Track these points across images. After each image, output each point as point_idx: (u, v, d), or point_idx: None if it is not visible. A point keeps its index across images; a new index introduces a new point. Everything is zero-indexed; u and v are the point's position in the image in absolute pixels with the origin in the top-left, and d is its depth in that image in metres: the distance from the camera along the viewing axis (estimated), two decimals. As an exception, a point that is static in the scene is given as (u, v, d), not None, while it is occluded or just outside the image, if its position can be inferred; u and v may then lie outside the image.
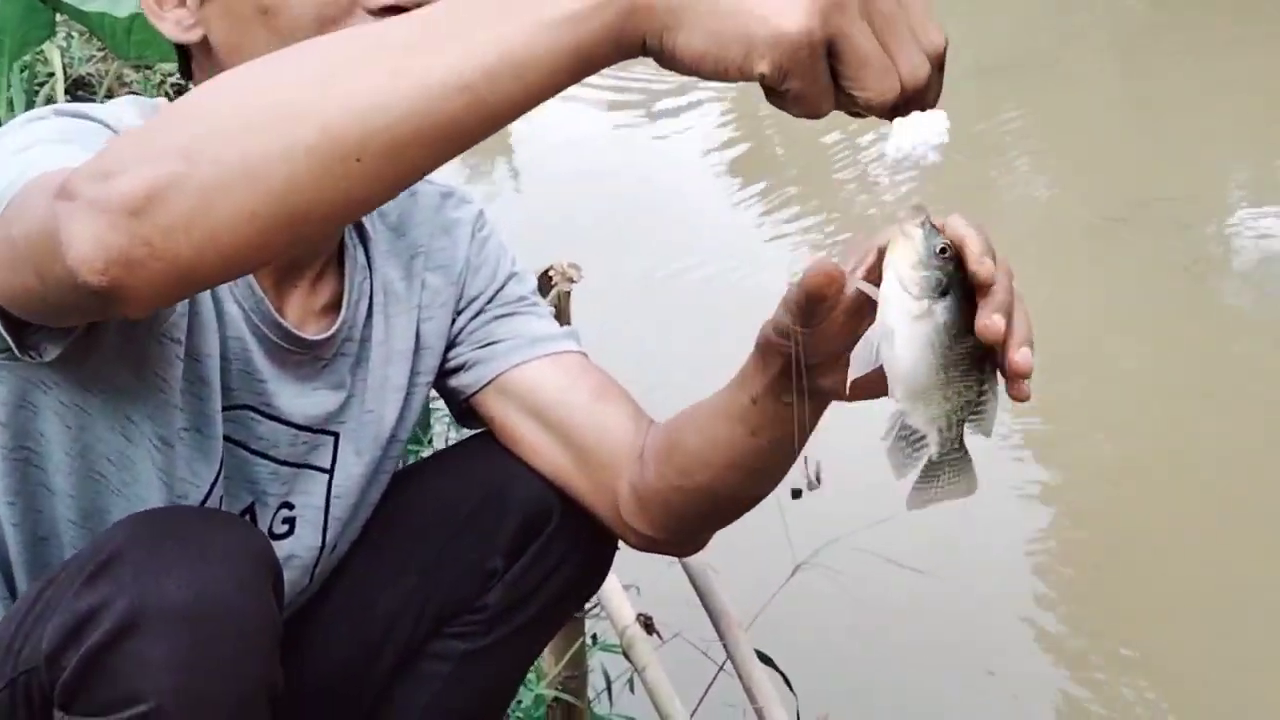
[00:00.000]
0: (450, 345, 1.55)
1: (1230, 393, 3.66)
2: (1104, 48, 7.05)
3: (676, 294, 4.27)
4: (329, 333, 1.43)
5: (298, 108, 0.93)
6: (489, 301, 1.55)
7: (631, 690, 2.28)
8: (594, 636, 2.33)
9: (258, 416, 1.42)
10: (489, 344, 1.53)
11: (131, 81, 4.95)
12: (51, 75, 4.14)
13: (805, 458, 1.13)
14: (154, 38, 2.99)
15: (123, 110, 1.30)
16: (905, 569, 2.51)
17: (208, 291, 1.32)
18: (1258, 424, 3.49)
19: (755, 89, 0.93)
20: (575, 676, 2.24)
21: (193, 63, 1.36)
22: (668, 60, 0.93)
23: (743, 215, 5.01)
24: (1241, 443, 3.41)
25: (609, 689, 2.37)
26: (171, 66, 4.09)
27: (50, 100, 4.04)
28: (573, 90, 0.97)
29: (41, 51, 4.04)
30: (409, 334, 1.52)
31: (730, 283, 4.31)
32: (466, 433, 1.67)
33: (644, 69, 6.18)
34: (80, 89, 4.71)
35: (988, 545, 3.08)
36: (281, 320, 1.38)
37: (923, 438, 1.07)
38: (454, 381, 1.55)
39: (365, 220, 1.47)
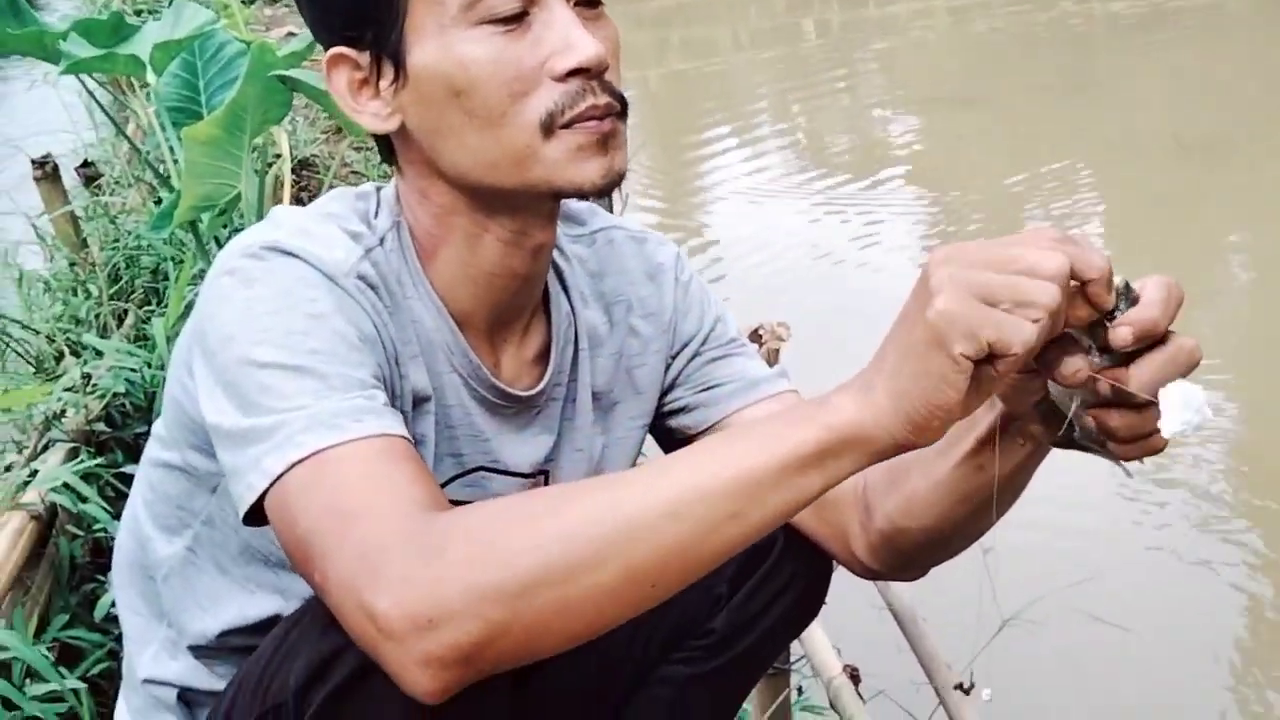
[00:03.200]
0: (668, 389, 1.59)
1: None
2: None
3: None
4: (541, 385, 1.49)
5: (602, 554, 1.07)
6: (702, 344, 1.59)
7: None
8: (799, 689, 2.36)
9: (490, 474, 1.48)
10: (710, 387, 1.56)
11: (352, 162, 5.16)
12: (279, 157, 4.30)
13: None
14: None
15: (331, 237, 1.35)
16: (1110, 626, 2.48)
17: (426, 377, 1.40)
18: None
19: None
20: (780, 728, 2.26)
21: (394, 149, 1.42)
22: (918, 440, 1.07)
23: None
24: None
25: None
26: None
27: (278, 180, 4.23)
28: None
29: (271, 133, 4.20)
30: (611, 377, 1.56)
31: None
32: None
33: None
34: (305, 169, 4.94)
35: (1195, 605, 3.03)
36: (498, 382, 1.44)
37: None
38: (675, 422, 1.59)
39: (565, 266, 1.53)
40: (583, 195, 1.34)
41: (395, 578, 1.08)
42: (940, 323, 1.02)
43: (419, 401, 1.40)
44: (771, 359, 2.10)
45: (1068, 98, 7.87)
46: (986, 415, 1.26)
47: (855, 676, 2.10)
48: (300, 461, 1.17)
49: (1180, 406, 1.08)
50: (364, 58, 1.35)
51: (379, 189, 1.45)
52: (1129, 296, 1.09)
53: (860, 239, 5.79)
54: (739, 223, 6.25)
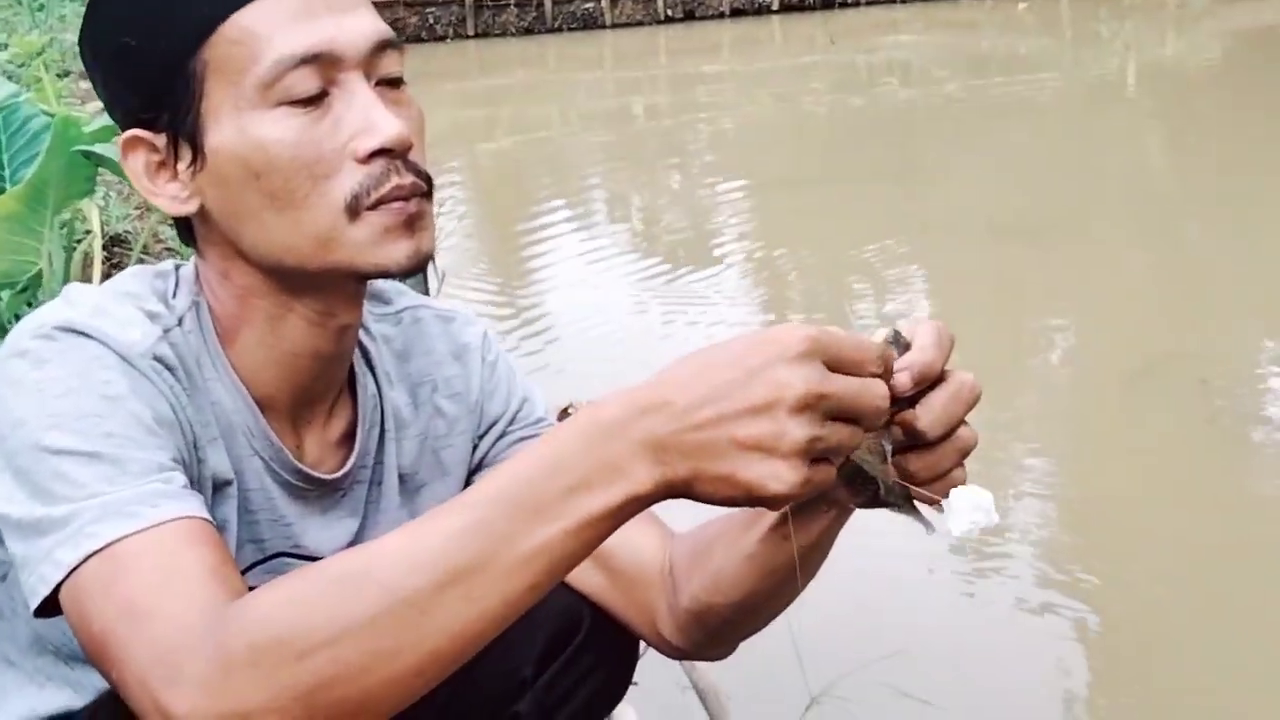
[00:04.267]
0: (475, 469, 1.58)
1: (1256, 544, 3.65)
2: (1122, 207, 7.20)
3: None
4: (346, 468, 1.46)
5: (398, 645, 1.04)
6: (509, 424, 1.58)
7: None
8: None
9: (291, 560, 1.44)
10: None
11: (168, 238, 5.07)
12: (89, 232, 4.21)
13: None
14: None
15: (127, 316, 1.32)
16: (919, 702, 2.49)
17: (227, 460, 1.36)
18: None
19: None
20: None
21: (194, 230, 1.39)
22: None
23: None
24: (1270, 593, 3.39)
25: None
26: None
27: (88, 256, 4.12)
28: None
29: (80, 208, 4.11)
30: (417, 458, 1.54)
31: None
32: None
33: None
34: (116, 245, 4.83)
35: (1006, 681, 3.05)
36: (301, 465, 1.42)
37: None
38: None
39: (371, 346, 1.51)
40: (388, 276, 1.32)
41: (190, 680, 1.05)
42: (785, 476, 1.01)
43: (219, 486, 1.36)
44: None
45: (887, 182, 8.06)
46: None
47: (666, 759, 2.08)
48: (95, 553, 1.14)
49: (969, 509, 1.12)
50: (160, 140, 1.32)
51: (178, 267, 1.42)
52: (900, 344, 1.11)
53: (682, 319, 5.85)
54: (563, 301, 6.27)
